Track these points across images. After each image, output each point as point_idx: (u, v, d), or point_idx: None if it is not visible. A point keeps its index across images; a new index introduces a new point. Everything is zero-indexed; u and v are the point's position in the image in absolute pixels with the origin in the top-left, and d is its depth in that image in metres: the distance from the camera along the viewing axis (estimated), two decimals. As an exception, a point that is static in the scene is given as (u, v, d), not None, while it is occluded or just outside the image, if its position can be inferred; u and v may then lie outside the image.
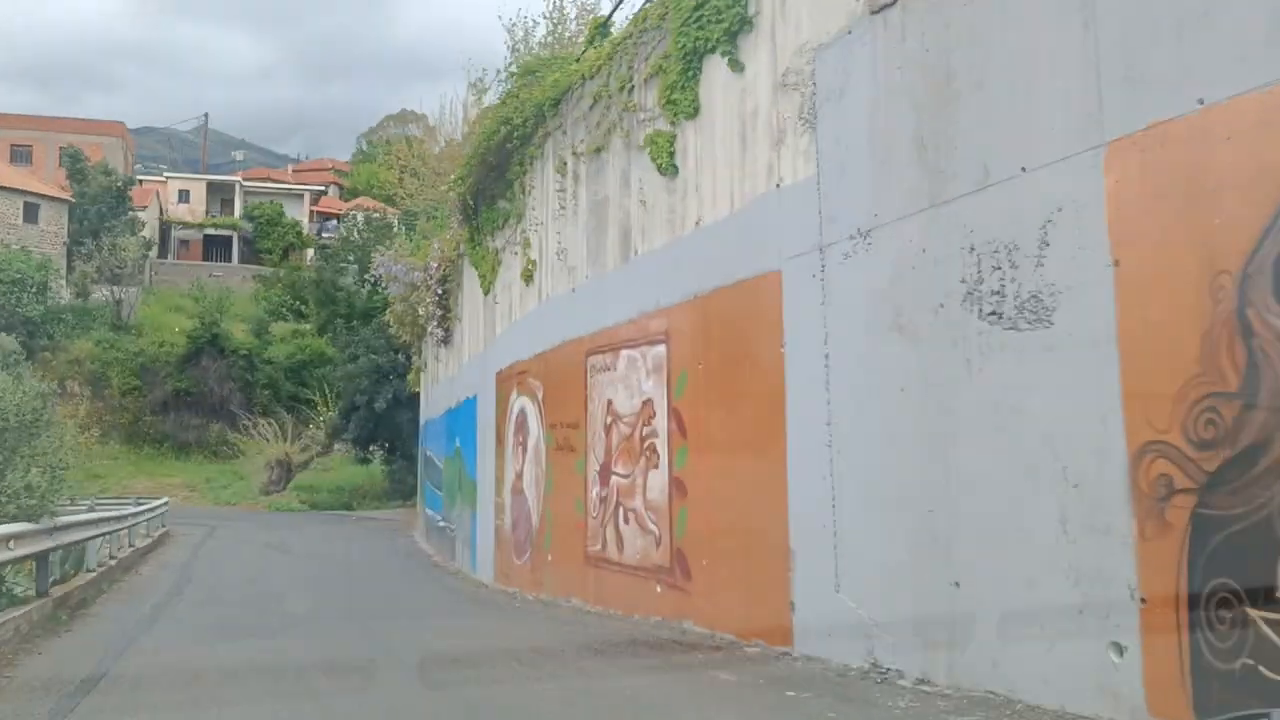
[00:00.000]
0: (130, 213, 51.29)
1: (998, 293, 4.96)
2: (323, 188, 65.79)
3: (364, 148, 76.59)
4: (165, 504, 25.29)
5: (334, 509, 32.63)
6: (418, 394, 30.64)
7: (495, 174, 12.65)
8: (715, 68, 7.77)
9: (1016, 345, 4.85)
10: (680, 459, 8.28)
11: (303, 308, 51.76)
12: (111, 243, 45.00)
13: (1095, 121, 4.45)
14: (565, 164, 10.72)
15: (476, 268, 14.46)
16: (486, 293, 14.05)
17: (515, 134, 11.71)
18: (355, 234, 49.92)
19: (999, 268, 4.97)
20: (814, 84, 6.50)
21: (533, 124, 11.54)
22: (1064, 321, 4.60)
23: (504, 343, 13.14)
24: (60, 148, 53.74)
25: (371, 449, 33.10)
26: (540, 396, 11.48)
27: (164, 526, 24.11)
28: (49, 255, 46.23)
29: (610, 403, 9.67)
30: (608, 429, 9.69)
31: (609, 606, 9.49)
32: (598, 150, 9.92)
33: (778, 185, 6.93)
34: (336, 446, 40.89)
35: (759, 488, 6.97)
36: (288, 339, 46.66)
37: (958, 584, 5.15)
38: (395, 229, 47.63)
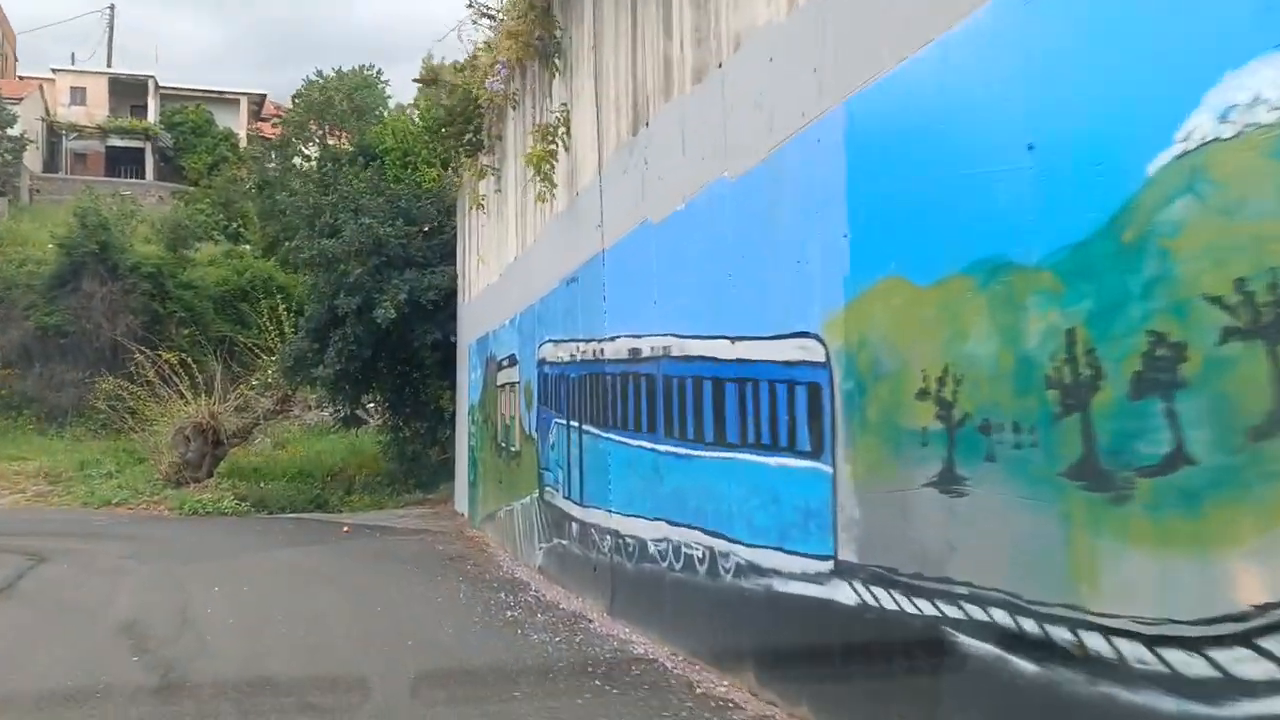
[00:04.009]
0: (-2, 105, 35.62)
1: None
2: (263, 94, 49.91)
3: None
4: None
5: (296, 509, 17.74)
6: (453, 295, 15.93)
7: None
8: None
9: None
10: None
11: (241, 229, 36.65)
12: (-54, 119, 29.32)
13: None
14: None
15: None
16: None
17: None
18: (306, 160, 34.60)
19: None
20: None
21: None
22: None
23: None
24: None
25: (365, 400, 18.23)
26: None
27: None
28: None
29: None
30: None
31: None
32: None
33: None
34: (294, 411, 25.97)
35: None
36: (219, 261, 31.33)
37: None
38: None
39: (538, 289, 9.69)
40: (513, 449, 10.99)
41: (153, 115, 45.74)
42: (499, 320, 11.98)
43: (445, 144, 12.61)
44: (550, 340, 9.14)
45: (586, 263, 7.82)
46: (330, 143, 34.21)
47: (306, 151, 34.70)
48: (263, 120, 49.31)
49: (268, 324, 20.44)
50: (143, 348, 19.95)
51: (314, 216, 17.12)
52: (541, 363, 9.48)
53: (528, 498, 10.04)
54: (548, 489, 9.17)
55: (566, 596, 8.06)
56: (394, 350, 16.91)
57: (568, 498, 8.39)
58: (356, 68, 38.67)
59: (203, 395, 19.50)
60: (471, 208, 13.25)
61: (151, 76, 46.38)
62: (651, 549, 6.33)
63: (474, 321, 14.47)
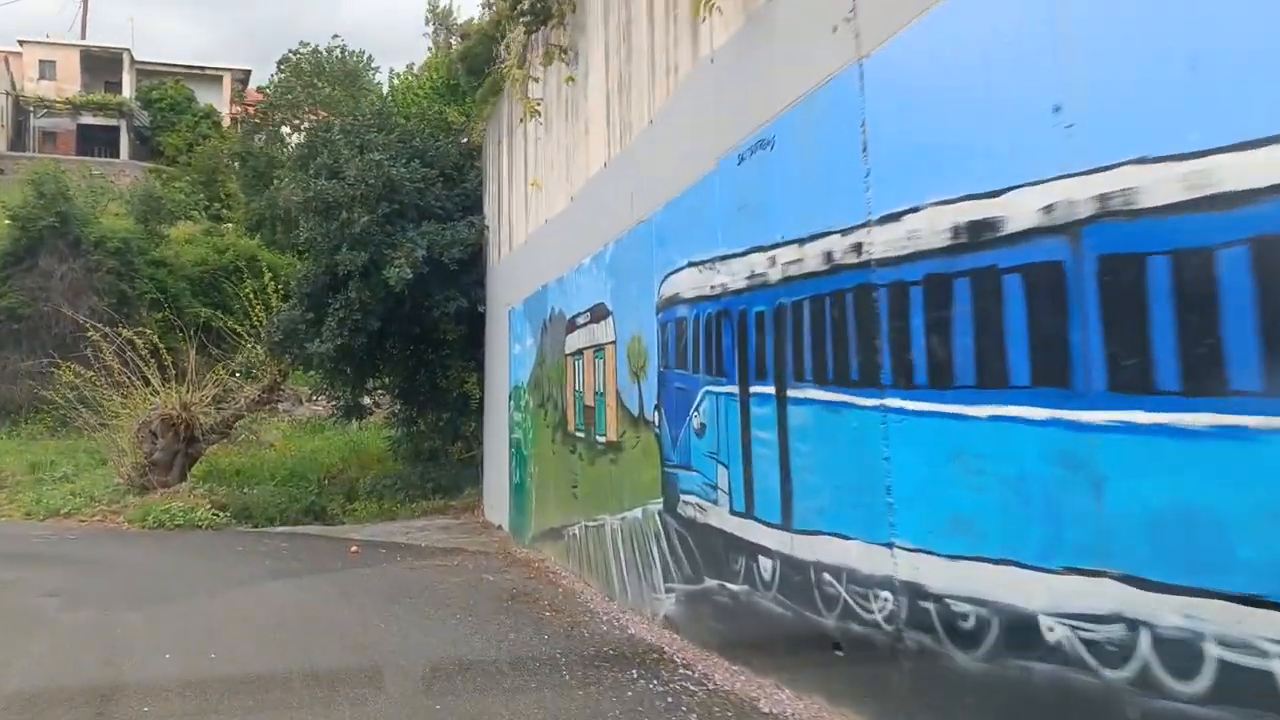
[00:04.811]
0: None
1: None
2: (248, 69, 46.22)
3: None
4: None
5: (287, 520, 14.32)
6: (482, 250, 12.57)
7: None
8: None
9: None
10: None
11: (224, 209, 33.22)
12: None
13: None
14: None
15: None
16: None
17: None
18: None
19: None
20: None
21: None
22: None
23: None
24: None
25: (371, 385, 14.75)
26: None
27: None
28: None
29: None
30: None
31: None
32: None
33: None
34: (283, 405, 22.62)
35: None
36: (197, 239, 27.81)
37: None
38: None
39: (656, 196, 6.29)
40: (600, 439, 7.58)
41: (128, 92, 42.08)
42: (569, 263, 8.57)
43: (497, 7, 9.19)
44: (690, 265, 5.73)
45: (801, 104, 4.41)
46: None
47: (296, 122, 31.08)
48: (248, 105, 45.61)
49: (253, 300, 16.93)
50: (99, 325, 16.35)
51: (308, 156, 13.65)
52: (669, 303, 6.08)
53: (637, 510, 6.64)
54: (687, 498, 5.77)
55: (759, 686, 4.65)
56: (407, 322, 13.47)
57: (744, 513, 4.99)
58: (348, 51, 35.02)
59: (173, 383, 16.00)
60: (524, 120, 9.82)
61: (127, 50, 42.65)
62: (1052, 635, 2.93)
63: (517, 279, 11.06)
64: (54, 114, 40.80)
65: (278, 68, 34.11)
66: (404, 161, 13.25)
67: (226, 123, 41.06)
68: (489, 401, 13.56)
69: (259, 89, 35.43)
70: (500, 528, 12.08)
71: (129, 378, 15.95)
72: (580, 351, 8.28)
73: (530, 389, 10.33)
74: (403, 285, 12.18)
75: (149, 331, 16.09)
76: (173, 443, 15.58)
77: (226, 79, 44.67)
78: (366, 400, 15.02)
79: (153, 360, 16.02)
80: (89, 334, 17.38)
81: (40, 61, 41.78)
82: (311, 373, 15.74)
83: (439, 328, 13.58)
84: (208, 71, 44.90)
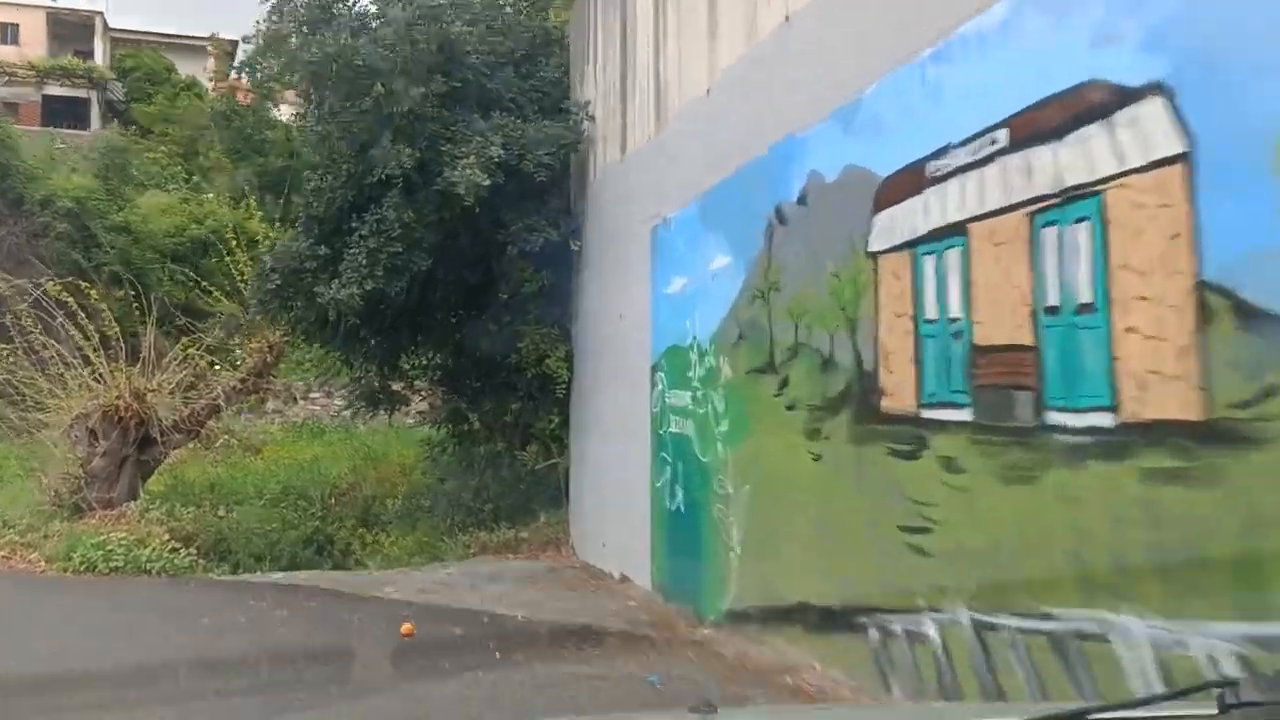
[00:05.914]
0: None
1: None
2: (234, 39, 41.36)
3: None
4: None
5: (282, 561, 9.61)
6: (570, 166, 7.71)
7: None
8: None
9: None
10: None
11: (204, 181, 28.65)
12: None
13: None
14: None
15: None
16: None
17: None
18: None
19: None
20: None
21: None
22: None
23: None
24: None
25: (404, 359, 9.97)
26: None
27: None
28: None
29: None
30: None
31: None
32: None
33: None
34: (272, 404, 17.96)
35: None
36: (173, 208, 23.01)
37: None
38: None
39: None
40: (1103, 423, 2.96)
41: (101, 60, 37.32)
42: (891, 60, 3.99)
43: None
44: None
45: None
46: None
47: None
48: (233, 46, 40.54)
49: (239, 259, 12.20)
50: (9, 277, 11.61)
51: (320, 20, 8.96)
52: None
53: None
54: None
55: None
56: (462, 265, 8.80)
57: None
58: None
59: (123, 362, 11.23)
60: None
61: (100, 14, 37.87)
62: None
63: (671, 173, 6.49)
64: (16, 82, 35.89)
65: (268, 17, 28.93)
66: (466, 23, 8.63)
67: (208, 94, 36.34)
68: (582, 381, 8.94)
69: (243, 38, 30.61)
70: (624, 579, 7.44)
71: (59, 352, 11.22)
72: (955, 230, 3.67)
73: (722, 348, 5.71)
74: (475, 197, 7.53)
75: (86, 287, 11.38)
76: (119, 445, 10.80)
77: (211, 49, 39.90)
78: (400, 387, 10.24)
79: (95, 333, 11.34)
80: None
81: (2, 24, 36.97)
82: (315, 350, 11.08)
83: (512, 274, 8.92)
84: (188, 41, 40.11)
